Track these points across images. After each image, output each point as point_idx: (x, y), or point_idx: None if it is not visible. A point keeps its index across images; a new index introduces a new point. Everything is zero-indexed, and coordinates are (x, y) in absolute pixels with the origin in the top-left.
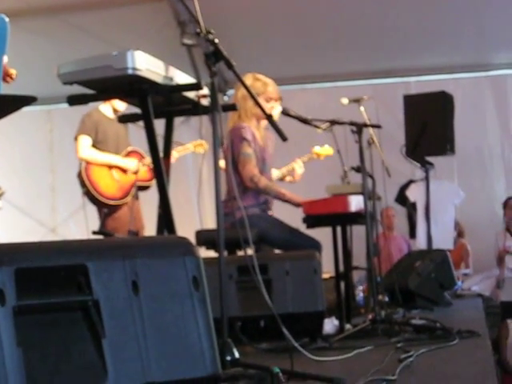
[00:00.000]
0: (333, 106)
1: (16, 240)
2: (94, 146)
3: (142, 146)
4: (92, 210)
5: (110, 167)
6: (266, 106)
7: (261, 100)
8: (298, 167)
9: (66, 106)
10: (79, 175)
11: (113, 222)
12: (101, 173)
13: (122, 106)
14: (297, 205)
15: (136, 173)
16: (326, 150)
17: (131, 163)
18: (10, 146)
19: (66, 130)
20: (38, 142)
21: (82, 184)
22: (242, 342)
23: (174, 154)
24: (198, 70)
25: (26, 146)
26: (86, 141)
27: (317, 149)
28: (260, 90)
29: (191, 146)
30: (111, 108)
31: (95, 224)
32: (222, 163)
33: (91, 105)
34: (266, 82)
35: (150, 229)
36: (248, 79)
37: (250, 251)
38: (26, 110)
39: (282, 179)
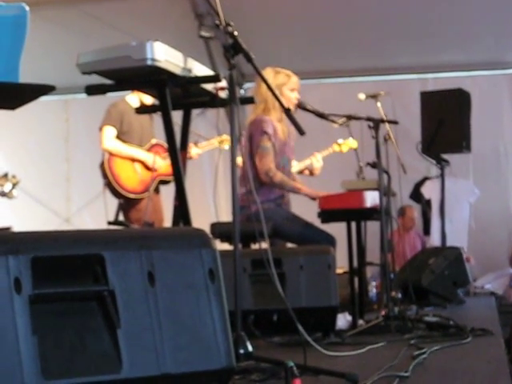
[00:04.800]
0: (349, 101)
1: (30, 229)
2: (118, 136)
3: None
4: (108, 201)
5: (133, 160)
6: (292, 97)
7: (286, 91)
8: (316, 161)
9: (82, 96)
10: (101, 166)
11: (136, 213)
12: (123, 165)
13: (149, 99)
14: (314, 199)
15: (153, 169)
16: (350, 143)
17: (151, 158)
18: (26, 135)
19: (82, 120)
20: (54, 131)
21: (104, 175)
22: (255, 335)
23: (198, 151)
24: (215, 63)
25: (42, 135)
26: (110, 132)
27: (340, 141)
28: (284, 81)
29: (215, 141)
30: (138, 99)
31: (111, 214)
32: (239, 159)
33: (114, 95)
34: (288, 73)
35: (169, 221)
36: (269, 73)
37: (264, 245)
38: (42, 99)
39: (300, 172)
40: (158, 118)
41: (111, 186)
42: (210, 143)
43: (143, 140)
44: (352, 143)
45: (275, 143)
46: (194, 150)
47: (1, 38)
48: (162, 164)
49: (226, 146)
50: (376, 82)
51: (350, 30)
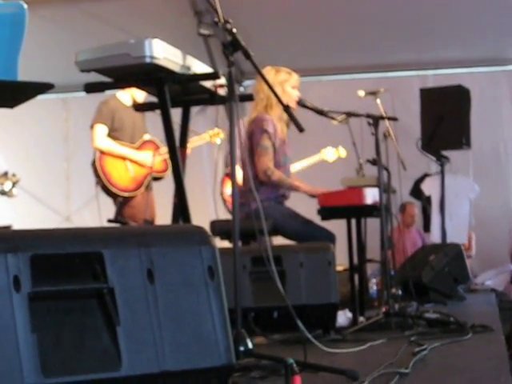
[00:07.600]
0: (349, 98)
1: (29, 228)
2: (109, 134)
3: (159, 134)
4: (106, 199)
5: (125, 158)
6: (293, 94)
7: (288, 88)
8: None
9: (81, 94)
10: (93, 164)
11: (130, 209)
12: (115, 164)
13: (141, 96)
14: (313, 196)
15: (152, 167)
16: (340, 152)
17: (147, 158)
18: (26, 133)
19: (81, 118)
20: (54, 130)
21: (96, 174)
22: (255, 332)
23: (189, 145)
24: (214, 60)
25: (42, 133)
26: (101, 130)
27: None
28: (286, 78)
29: (207, 135)
30: (130, 96)
31: (108, 213)
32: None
33: (107, 92)
34: (289, 71)
35: (162, 219)
36: (270, 71)
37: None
38: (41, 97)
39: None
40: (150, 115)
41: (103, 184)
42: (202, 137)
43: (135, 137)
44: (341, 152)
45: (275, 142)
46: None
47: None
48: (156, 160)
49: (218, 140)
50: (375, 79)
51: (349, 27)
